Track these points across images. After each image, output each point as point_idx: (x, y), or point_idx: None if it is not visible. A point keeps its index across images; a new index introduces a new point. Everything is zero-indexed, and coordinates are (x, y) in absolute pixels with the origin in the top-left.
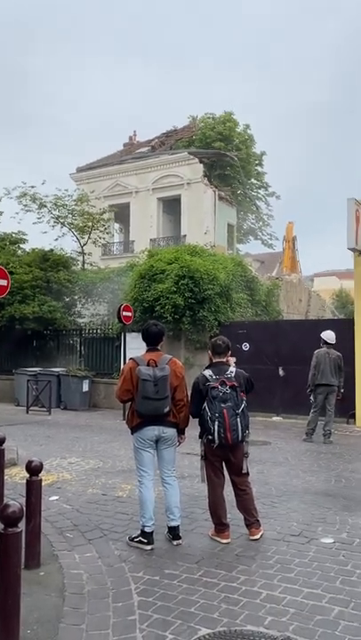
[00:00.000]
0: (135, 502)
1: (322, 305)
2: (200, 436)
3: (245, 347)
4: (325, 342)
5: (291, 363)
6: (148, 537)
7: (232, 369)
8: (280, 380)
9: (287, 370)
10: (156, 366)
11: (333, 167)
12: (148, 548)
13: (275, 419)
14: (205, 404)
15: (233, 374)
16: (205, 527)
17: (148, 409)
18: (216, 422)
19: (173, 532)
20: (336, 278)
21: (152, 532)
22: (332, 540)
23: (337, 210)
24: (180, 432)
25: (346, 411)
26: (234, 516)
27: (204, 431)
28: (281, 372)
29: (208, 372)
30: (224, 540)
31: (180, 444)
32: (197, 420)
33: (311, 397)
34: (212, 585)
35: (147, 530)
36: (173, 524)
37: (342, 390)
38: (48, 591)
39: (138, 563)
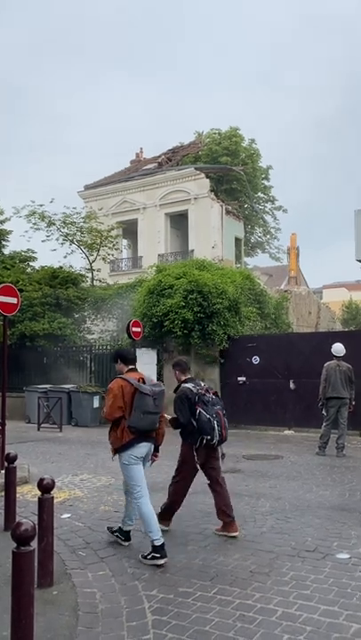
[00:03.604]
0: None
1: (332, 317)
2: (194, 442)
3: (255, 360)
4: (335, 355)
5: (302, 376)
6: (159, 550)
7: (201, 382)
8: (291, 394)
9: (298, 383)
10: (145, 383)
11: (342, 179)
12: (162, 561)
13: (286, 432)
14: (200, 409)
15: (206, 385)
16: (217, 544)
17: (147, 423)
18: (215, 422)
19: (125, 535)
20: (345, 290)
21: (163, 545)
22: (348, 556)
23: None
24: (156, 449)
25: (358, 423)
26: (248, 532)
27: (200, 434)
28: (292, 386)
29: (190, 385)
30: (233, 533)
31: (153, 461)
32: (180, 429)
33: (323, 411)
34: (226, 603)
35: (156, 543)
36: (128, 528)
37: (353, 403)
38: (61, 610)
39: (151, 581)
